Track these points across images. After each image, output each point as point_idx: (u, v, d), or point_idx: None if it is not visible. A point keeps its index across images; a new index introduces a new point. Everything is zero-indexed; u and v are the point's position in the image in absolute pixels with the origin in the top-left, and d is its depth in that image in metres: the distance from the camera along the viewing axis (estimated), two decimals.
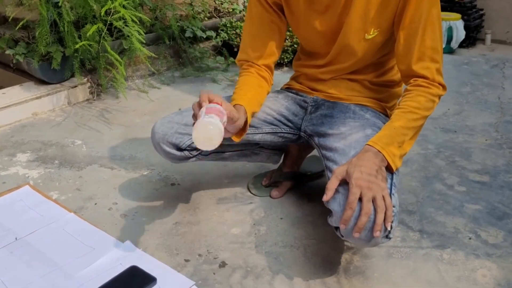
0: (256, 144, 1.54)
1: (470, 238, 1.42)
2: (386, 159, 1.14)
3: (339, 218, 1.09)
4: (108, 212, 1.54)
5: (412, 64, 1.23)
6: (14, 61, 2.41)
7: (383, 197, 1.06)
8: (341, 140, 1.28)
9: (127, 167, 1.82)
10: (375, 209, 1.05)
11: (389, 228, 1.08)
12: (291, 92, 1.50)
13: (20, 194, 1.61)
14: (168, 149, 1.37)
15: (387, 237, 1.11)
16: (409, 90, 1.24)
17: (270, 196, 1.61)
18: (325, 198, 1.11)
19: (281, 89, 1.57)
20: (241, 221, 1.49)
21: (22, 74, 2.55)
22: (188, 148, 1.38)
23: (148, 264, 1.27)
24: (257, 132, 1.43)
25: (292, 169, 1.66)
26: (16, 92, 2.34)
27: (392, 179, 1.17)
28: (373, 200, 1.05)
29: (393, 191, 1.15)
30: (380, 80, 1.41)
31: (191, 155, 1.40)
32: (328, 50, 1.36)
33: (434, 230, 1.45)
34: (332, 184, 1.11)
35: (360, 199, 1.06)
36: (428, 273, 1.28)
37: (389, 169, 1.17)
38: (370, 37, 1.27)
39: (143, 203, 1.59)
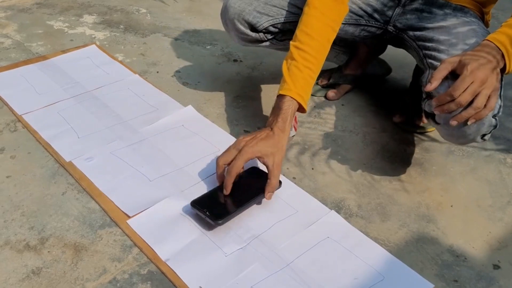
0: None
1: None
2: (504, 59, 1.02)
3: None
4: (171, 78, 1.56)
5: None
6: None
7: (489, 96, 0.97)
8: (444, 32, 1.17)
9: (191, 39, 1.81)
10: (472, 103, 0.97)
11: (469, 123, 0.99)
12: None
13: (87, 52, 1.64)
14: (242, 28, 1.27)
15: (482, 137, 1.04)
16: None
17: (325, 97, 1.52)
18: (429, 87, 1.00)
19: None
20: None
21: None
22: (264, 31, 1.28)
23: (208, 128, 1.30)
24: None
25: (355, 72, 1.54)
26: None
27: (501, 81, 1.07)
28: (477, 95, 0.96)
29: (501, 94, 1.06)
30: None
31: (265, 39, 1.30)
32: None
33: (500, 134, 1.40)
34: (440, 73, 1.00)
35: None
36: (489, 173, 1.25)
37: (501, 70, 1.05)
38: None
39: (205, 74, 1.59)
